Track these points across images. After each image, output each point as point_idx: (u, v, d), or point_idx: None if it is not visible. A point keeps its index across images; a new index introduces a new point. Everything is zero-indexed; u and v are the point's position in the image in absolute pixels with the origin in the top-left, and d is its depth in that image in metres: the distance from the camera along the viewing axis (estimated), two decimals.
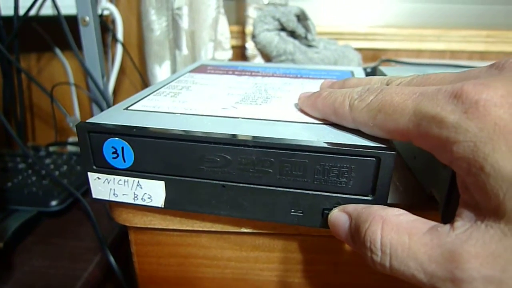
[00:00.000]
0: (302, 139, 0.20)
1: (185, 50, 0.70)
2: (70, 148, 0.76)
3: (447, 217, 0.20)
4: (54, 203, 0.54)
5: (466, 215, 0.16)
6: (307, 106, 0.24)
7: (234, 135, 0.21)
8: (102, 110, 0.69)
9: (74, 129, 0.75)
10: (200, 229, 0.26)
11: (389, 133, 0.19)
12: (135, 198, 0.24)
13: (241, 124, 0.22)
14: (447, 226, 0.16)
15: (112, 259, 0.49)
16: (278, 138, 0.20)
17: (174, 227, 0.26)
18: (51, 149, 0.70)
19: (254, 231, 0.26)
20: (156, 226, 0.26)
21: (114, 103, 0.79)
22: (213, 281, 0.30)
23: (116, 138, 0.22)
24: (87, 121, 0.23)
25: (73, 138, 0.79)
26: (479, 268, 0.14)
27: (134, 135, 0.22)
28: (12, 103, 0.72)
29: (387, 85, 0.22)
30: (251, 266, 0.29)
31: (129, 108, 0.25)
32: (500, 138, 0.14)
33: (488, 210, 0.15)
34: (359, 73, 0.37)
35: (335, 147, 0.19)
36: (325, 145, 0.20)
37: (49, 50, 0.78)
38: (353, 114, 0.20)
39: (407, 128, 0.17)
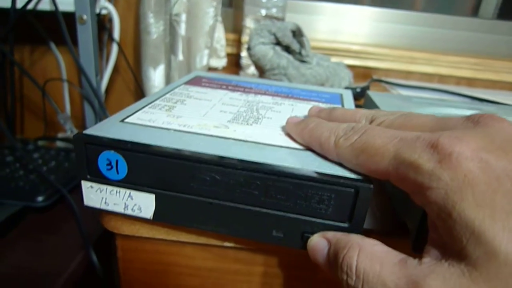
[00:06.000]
0: (288, 165, 0.22)
1: (180, 56, 0.71)
2: (59, 144, 0.76)
3: (417, 248, 0.22)
4: (40, 198, 0.54)
5: (433, 253, 0.17)
6: (294, 134, 0.25)
7: (224, 157, 0.22)
8: (93, 107, 0.69)
9: (65, 126, 0.76)
10: (186, 240, 0.27)
11: (370, 172, 0.20)
12: (125, 208, 0.25)
13: (231, 146, 0.24)
14: (416, 260, 0.17)
15: (95, 257, 0.49)
16: (265, 164, 0.22)
17: (161, 237, 0.27)
18: (40, 143, 0.70)
19: (237, 245, 0.27)
20: (143, 235, 0.27)
21: (105, 102, 0.79)
22: None
23: (112, 151, 0.23)
24: (84, 132, 0.24)
25: (62, 134, 0.79)
26: None
27: (129, 149, 0.23)
28: (2, 95, 0.72)
29: (371, 121, 0.23)
30: (231, 278, 0.30)
31: (125, 121, 0.26)
32: (468, 189, 0.16)
33: (452, 251, 0.16)
34: (348, 96, 0.39)
35: (318, 176, 0.21)
36: (308, 174, 0.21)
37: (44, 43, 0.78)
38: (338, 150, 0.21)
39: (387, 170, 0.19)
